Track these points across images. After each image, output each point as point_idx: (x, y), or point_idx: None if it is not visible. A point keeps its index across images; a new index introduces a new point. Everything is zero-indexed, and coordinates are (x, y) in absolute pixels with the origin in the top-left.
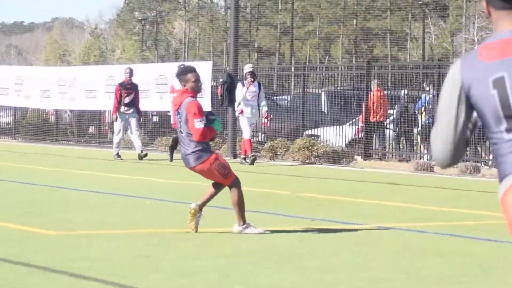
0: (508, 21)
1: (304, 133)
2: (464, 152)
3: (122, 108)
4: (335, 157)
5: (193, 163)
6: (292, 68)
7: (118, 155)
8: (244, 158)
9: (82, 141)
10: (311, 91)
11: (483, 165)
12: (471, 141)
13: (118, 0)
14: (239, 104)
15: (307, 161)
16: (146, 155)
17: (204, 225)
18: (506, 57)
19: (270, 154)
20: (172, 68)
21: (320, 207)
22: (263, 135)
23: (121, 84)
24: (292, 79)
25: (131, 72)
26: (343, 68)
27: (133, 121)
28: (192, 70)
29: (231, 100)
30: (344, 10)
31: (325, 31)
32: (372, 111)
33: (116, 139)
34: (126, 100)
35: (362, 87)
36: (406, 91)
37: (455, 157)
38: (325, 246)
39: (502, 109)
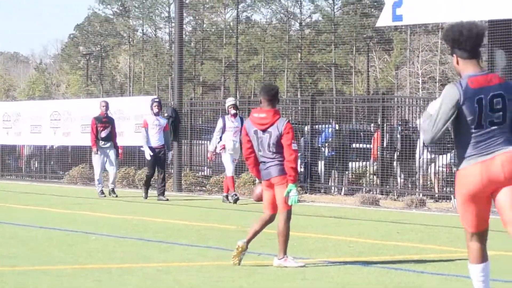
0: (471, 66)
1: None
2: (442, 136)
3: (100, 143)
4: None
5: (274, 173)
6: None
7: (102, 192)
8: (226, 196)
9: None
10: None
11: (428, 198)
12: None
13: (62, 35)
14: (220, 140)
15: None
16: (114, 192)
17: (149, 260)
18: (482, 86)
19: (216, 188)
20: (117, 102)
21: (268, 241)
22: (209, 169)
23: (96, 118)
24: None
25: (107, 106)
26: (288, 102)
27: (111, 154)
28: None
29: (176, 134)
30: (288, 44)
31: (269, 65)
32: None
33: (96, 175)
34: (103, 134)
35: (307, 121)
36: (308, 127)
37: (439, 138)
38: (271, 280)
39: (478, 117)
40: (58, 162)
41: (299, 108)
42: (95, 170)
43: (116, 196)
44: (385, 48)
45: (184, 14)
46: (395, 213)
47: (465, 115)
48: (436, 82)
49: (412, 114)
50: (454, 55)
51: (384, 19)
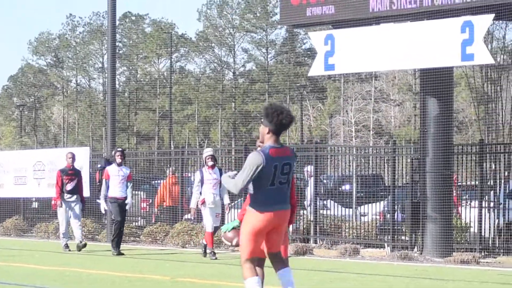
0: (274, 140)
1: (184, 217)
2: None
3: (65, 196)
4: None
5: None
6: (172, 153)
7: (66, 246)
8: (205, 247)
9: None
10: (189, 175)
11: (362, 247)
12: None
13: None
14: (200, 193)
15: (187, 245)
16: (85, 245)
17: None
18: (277, 156)
19: (150, 239)
20: (50, 154)
21: None
22: (142, 220)
23: (62, 170)
24: (172, 163)
25: (73, 157)
26: (222, 152)
27: (76, 208)
28: None
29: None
30: (222, 94)
31: (204, 115)
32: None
33: (62, 229)
34: (68, 187)
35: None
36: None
37: (241, 191)
38: None
39: (272, 178)
40: None
41: (233, 157)
42: (60, 223)
43: (85, 245)
44: (319, 97)
45: (118, 65)
46: (328, 262)
47: (264, 175)
48: (369, 130)
49: (346, 163)
50: (268, 127)
51: (317, 68)
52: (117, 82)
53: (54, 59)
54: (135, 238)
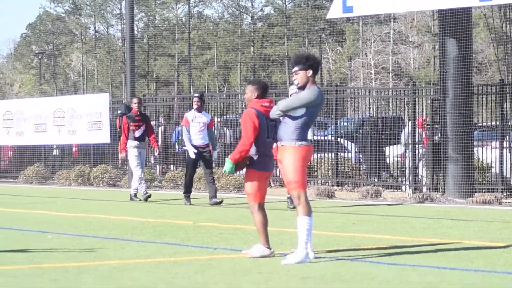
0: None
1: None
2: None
3: (134, 143)
4: (236, 185)
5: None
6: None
7: (135, 196)
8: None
9: None
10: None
11: (384, 189)
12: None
13: (15, 34)
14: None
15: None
16: (149, 196)
17: (105, 257)
18: None
19: (171, 184)
20: (70, 101)
21: (222, 236)
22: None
23: (129, 117)
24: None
25: (139, 102)
26: (242, 96)
27: (143, 155)
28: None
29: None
30: (241, 38)
31: (223, 59)
32: None
33: (136, 174)
34: (137, 133)
35: None
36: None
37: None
38: (226, 275)
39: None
40: (13, 162)
41: None
42: (133, 170)
43: (149, 196)
44: (338, 40)
45: (136, 11)
46: (350, 205)
47: (318, 110)
48: (389, 73)
49: (366, 105)
50: (310, 70)
51: (335, 11)
52: (135, 28)
53: (72, 6)
54: (157, 183)
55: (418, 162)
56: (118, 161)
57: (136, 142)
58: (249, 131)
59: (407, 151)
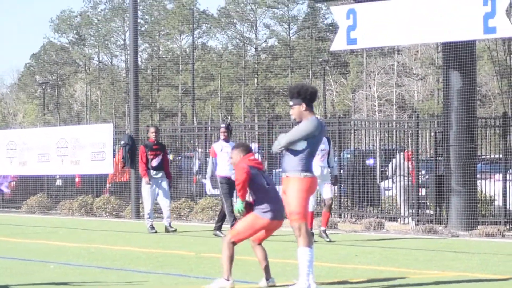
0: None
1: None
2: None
3: (151, 173)
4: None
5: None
6: (195, 128)
7: (152, 227)
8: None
9: None
10: None
11: (387, 220)
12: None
13: (18, 64)
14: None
15: (211, 221)
16: (174, 230)
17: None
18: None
19: (174, 215)
20: (73, 131)
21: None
22: None
23: (146, 145)
24: (195, 139)
25: (157, 132)
26: (245, 128)
27: (164, 185)
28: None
29: (133, 161)
30: (245, 69)
31: (226, 91)
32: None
33: (147, 208)
34: (154, 163)
35: (265, 146)
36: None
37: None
38: None
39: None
40: (16, 191)
41: (256, 133)
42: (145, 203)
43: (175, 231)
44: (342, 72)
45: (140, 41)
46: (353, 236)
47: (318, 142)
48: (393, 105)
49: (369, 137)
50: (303, 104)
51: (339, 43)
52: (139, 59)
53: (76, 36)
54: (160, 214)
55: (402, 196)
56: (106, 191)
57: (152, 172)
58: (240, 173)
59: (394, 182)
